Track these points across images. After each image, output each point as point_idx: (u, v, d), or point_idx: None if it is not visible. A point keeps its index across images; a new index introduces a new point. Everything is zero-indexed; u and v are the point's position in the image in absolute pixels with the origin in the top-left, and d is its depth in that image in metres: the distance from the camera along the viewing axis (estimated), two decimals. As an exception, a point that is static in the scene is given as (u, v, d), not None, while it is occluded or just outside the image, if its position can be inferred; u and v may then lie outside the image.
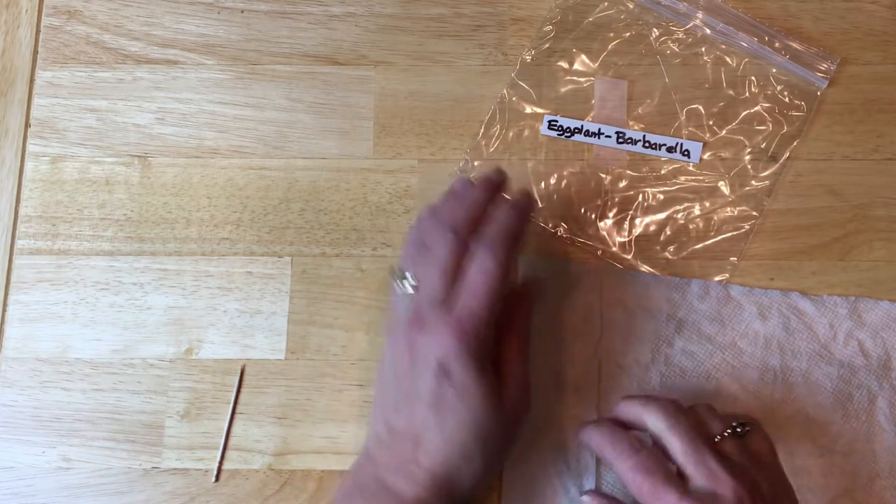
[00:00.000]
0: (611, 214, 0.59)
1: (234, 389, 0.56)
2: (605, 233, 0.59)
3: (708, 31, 0.62)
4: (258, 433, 0.55)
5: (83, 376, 0.56)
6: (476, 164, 0.60)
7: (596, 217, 0.59)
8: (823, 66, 0.61)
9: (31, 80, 0.62)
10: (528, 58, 0.62)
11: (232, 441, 0.55)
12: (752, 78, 0.61)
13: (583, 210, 0.59)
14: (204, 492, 0.54)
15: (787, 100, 0.61)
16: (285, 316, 0.57)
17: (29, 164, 0.61)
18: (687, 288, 0.57)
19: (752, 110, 0.61)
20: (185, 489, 0.54)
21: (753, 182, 0.59)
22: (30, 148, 0.61)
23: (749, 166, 0.60)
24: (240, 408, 0.56)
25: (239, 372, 0.56)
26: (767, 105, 0.61)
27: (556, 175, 0.60)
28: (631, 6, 0.63)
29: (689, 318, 0.56)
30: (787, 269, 0.58)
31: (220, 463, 0.55)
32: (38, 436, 0.55)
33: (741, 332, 0.56)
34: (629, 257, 0.58)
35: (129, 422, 0.55)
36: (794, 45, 0.61)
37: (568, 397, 0.55)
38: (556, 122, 0.61)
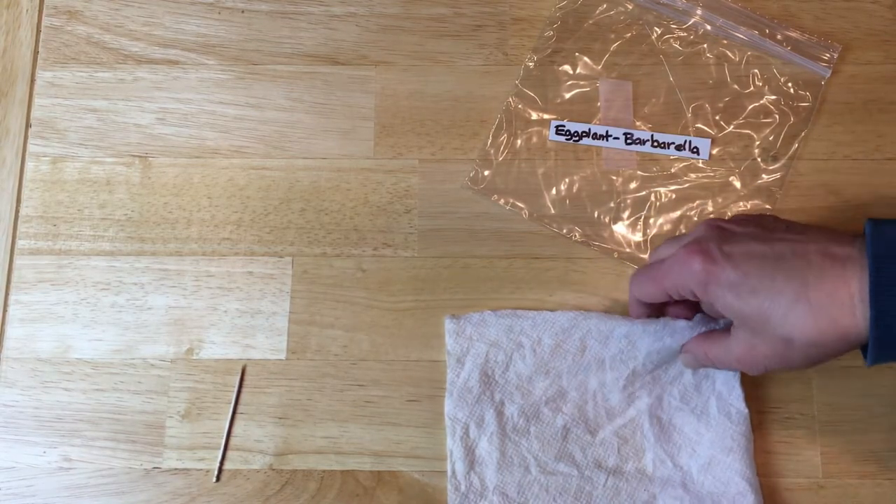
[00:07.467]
0: (625, 216, 0.59)
1: (235, 389, 0.56)
2: (620, 235, 0.58)
3: (708, 27, 0.62)
4: (259, 433, 0.55)
5: (84, 376, 0.56)
6: (486, 173, 0.60)
7: (610, 220, 0.59)
8: (826, 56, 0.61)
9: (32, 81, 0.62)
10: (531, 64, 0.62)
11: (233, 441, 0.55)
12: (756, 71, 0.61)
13: (596, 213, 0.59)
14: (205, 492, 0.54)
15: (791, 91, 0.60)
16: (286, 316, 0.57)
17: (29, 165, 0.61)
18: None
19: (757, 103, 0.61)
20: (186, 489, 0.54)
21: (764, 175, 0.59)
22: (30, 148, 0.61)
23: (759, 159, 0.59)
24: (241, 408, 0.56)
25: (240, 372, 0.56)
26: (773, 97, 0.61)
27: (566, 180, 0.60)
28: (630, 6, 0.63)
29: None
30: (788, 268, 0.58)
31: (221, 463, 0.55)
32: (39, 436, 0.55)
33: None
34: (646, 257, 0.58)
35: (129, 422, 0.55)
36: (795, 35, 0.61)
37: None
38: (564, 126, 0.60)
